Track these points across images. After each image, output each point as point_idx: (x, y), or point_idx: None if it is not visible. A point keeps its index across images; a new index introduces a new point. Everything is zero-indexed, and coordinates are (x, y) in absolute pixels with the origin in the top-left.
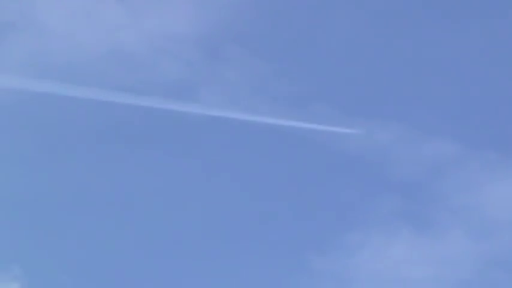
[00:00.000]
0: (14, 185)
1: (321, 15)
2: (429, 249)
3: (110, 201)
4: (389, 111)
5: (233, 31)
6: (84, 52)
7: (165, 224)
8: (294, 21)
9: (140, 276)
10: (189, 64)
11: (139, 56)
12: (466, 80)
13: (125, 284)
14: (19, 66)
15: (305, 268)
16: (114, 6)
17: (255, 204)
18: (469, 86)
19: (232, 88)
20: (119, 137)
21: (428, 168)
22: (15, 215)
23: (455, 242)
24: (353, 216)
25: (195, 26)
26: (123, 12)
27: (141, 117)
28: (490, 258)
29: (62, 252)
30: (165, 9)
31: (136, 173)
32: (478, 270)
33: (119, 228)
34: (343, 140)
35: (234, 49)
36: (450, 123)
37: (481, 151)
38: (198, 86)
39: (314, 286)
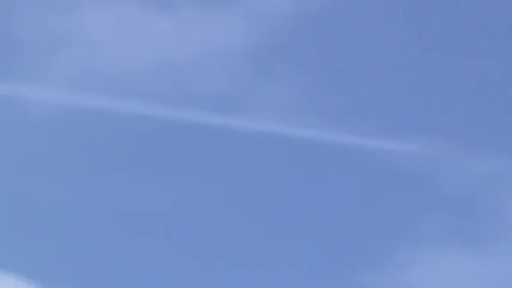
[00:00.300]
0: (62, 199)
1: (371, 30)
2: (480, 266)
3: (157, 217)
4: (440, 126)
5: (282, 46)
6: (132, 66)
7: (213, 241)
8: (343, 36)
9: None
10: (238, 79)
11: (188, 70)
12: None
13: None
14: (68, 80)
15: (356, 285)
16: (164, 20)
17: (305, 221)
18: None
19: (282, 103)
20: (167, 151)
21: (479, 184)
22: (62, 231)
23: (507, 259)
24: (404, 233)
25: (244, 41)
26: (172, 26)
27: (189, 132)
28: None
29: (112, 269)
30: (215, 23)
31: (183, 188)
32: None
33: (166, 243)
34: (393, 156)
35: (283, 64)
36: (501, 139)
37: None
38: (247, 100)
39: None
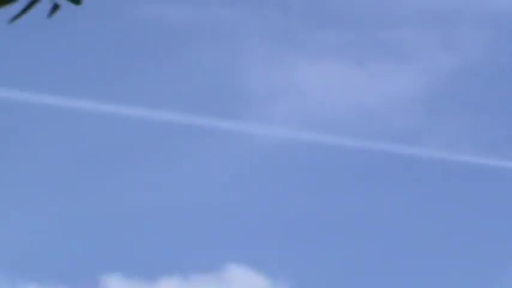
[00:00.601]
0: (290, 211)
1: None
2: None
3: (361, 224)
4: None
5: (449, 91)
6: (334, 109)
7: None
8: (498, 81)
9: None
10: (415, 117)
11: (376, 110)
12: None
13: None
14: (286, 119)
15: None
16: (358, 71)
17: (470, 235)
18: None
19: (449, 135)
20: (360, 176)
21: None
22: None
23: None
24: None
25: (419, 87)
26: (365, 77)
27: (377, 160)
28: None
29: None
30: (396, 74)
31: (373, 203)
32: None
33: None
34: None
35: (450, 105)
36: None
37: None
38: (422, 134)
39: None
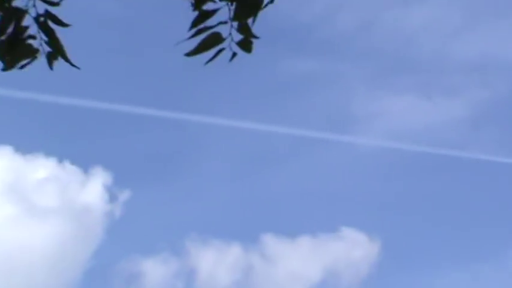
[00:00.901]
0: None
1: None
2: None
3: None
4: None
5: (488, 114)
6: (410, 127)
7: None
8: None
9: None
10: (460, 132)
11: (438, 128)
12: None
13: None
14: (379, 135)
15: None
16: (426, 102)
17: None
18: None
19: (487, 143)
20: (426, 172)
21: None
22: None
23: None
24: None
25: (461, 113)
26: (430, 105)
27: (437, 161)
28: None
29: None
30: (451, 103)
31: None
32: None
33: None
34: None
35: (489, 123)
36: None
37: None
38: (465, 142)
39: None
